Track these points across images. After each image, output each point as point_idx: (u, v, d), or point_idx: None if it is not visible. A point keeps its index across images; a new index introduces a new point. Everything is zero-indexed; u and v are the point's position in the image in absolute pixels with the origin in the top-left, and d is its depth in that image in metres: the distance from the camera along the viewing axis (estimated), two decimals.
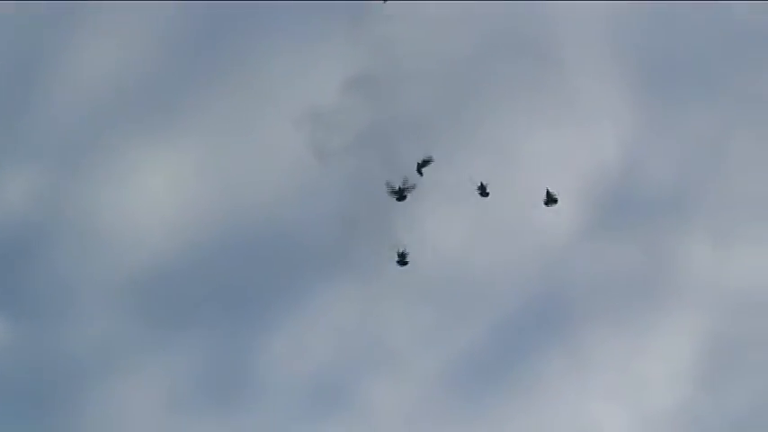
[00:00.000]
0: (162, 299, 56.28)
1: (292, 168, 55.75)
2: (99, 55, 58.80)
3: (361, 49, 53.66)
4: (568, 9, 56.55)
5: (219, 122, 57.80)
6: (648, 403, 54.60)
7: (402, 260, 48.95)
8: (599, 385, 54.84)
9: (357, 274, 54.62)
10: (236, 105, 57.88)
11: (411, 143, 53.92)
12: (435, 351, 55.78)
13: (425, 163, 48.96)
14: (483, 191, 49.50)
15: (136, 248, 56.91)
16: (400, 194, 48.28)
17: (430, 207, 54.42)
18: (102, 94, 58.85)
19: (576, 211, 55.96)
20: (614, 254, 55.24)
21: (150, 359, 55.86)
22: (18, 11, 56.80)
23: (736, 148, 56.80)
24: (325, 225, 54.67)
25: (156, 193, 57.71)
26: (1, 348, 55.68)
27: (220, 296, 55.99)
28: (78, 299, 56.96)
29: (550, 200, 48.82)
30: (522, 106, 55.98)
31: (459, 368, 55.50)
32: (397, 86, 53.55)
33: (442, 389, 55.61)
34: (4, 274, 56.68)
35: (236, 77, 57.84)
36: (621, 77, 57.24)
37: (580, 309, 55.62)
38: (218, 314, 56.12)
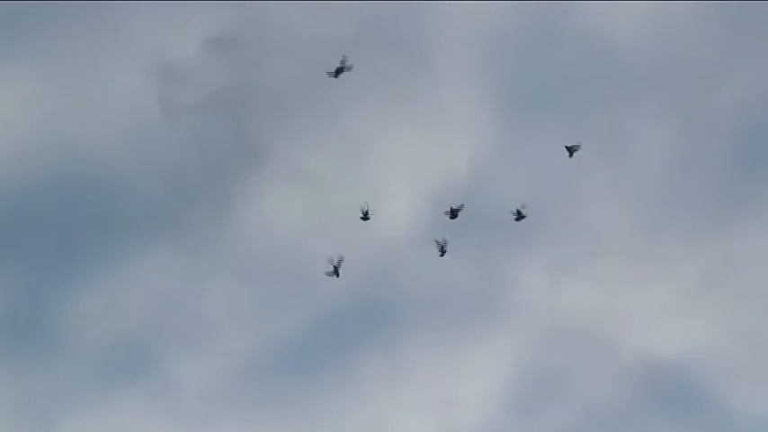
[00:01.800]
0: None
1: (137, 119, 54.11)
2: None
3: (228, 10, 52.69)
4: (455, 16, 55.84)
5: (67, 59, 55.57)
6: (456, 420, 53.54)
7: (365, 216, 48.98)
8: (410, 395, 53.48)
9: (186, 243, 53.21)
10: (90, 45, 55.65)
11: (263, 114, 53.03)
12: (251, 334, 53.83)
13: (341, 69, 48.16)
14: (519, 215, 49.84)
15: None
16: (337, 73, 48.09)
17: (272, 185, 53.51)
18: None
19: (419, 216, 54.53)
20: (450, 266, 53.65)
21: None
22: None
23: (585, 182, 55.72)
24: (161, 185, 53.49)
25: None
26: None
27: (35, 237, 54.00)
28: None
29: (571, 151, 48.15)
30: (384, 102, 54.85)
31: (273, 355, 53.77)
32: (260, 55, 52.59)
33: (251, 373, 53.77)
34: None
35: (95, 17, 55.60)
36: (489, 93, 56.43)
37: (407, 315, 54.19)
38: (30, 255, 53.93)
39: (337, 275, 50.13)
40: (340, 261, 49.30)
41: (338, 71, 48.28)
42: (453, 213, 50.75)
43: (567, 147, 49.47)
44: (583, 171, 53.96)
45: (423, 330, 53.94)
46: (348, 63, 47.90)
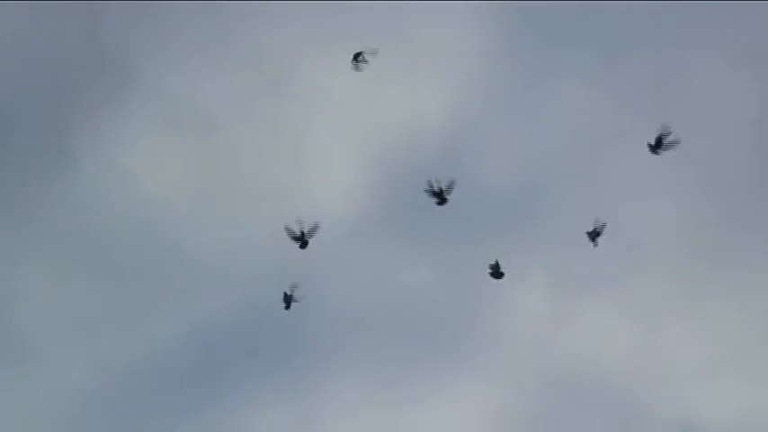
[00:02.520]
0: None
1: None
2: None
3: None
4: None
5: None
6: None
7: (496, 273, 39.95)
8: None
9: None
10: None
11: (128, 15, 44.34)
12: (93, 352, 42.76)
13: (359, 55, 40.45)
14: (440, 196, 39.24)
15: None
16: (441, 197, 39.22)
17: (137, 125, 43.88)
18: None
19: (363, 192, 42.67)
20: (405, 270, 41.89)
21: None
22: None
23: (624, 149, 42.47)
24: None
25: None
26: None
27: None
28: None
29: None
30: (319, 15, 43.97)
31: (122, 384, 42.77)
32: None
33: (86, 410, 42.52)
34: None
35: None
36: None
37: (333, 339, 42.08)
38: None
39: (302, 245, 39.62)
40: (312, 230, 39.20)
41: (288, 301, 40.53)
42: (439, 196, 39.59)
43: (589, 233, 40.16)
44: (620, 137, 41.98)
45: (354, 363, 42.61)
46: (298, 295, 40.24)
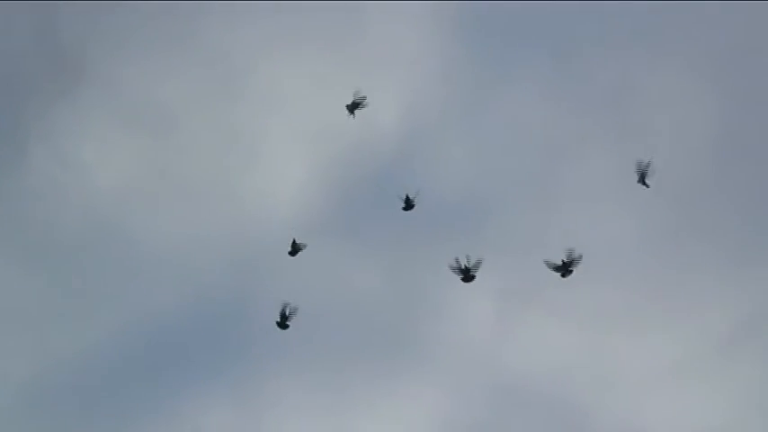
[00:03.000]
0: None
1: None
2: None
3: None
4: None
5: None
6: None
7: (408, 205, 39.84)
8: None
9: None
10: None
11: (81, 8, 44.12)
12: (32, 348, 42.19)
13: (356, 105, 40.55)
14: (407, 203, 39.77)
15: None
16: (467, 275, 39.43)
17: (89, 119, 43.79)
18: None
19: (312, 192, 42.48)
20: (350, 272, 41.45)
21: None
22: None
23: (577, 160, 42.51)
24: None
25: None
26: None
27: None
28: None
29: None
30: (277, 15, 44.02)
31: (57, 382, 42.10)
32: None
33: (23, 410, 41.71)
34: None
35: None
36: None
37: (274, 341, 40.76)
38: None
39: (293, 254, 39.38)
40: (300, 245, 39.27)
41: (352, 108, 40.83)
42: (408, 203, 40.17)
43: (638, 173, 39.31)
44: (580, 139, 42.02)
45: (301, 364, 41.83)
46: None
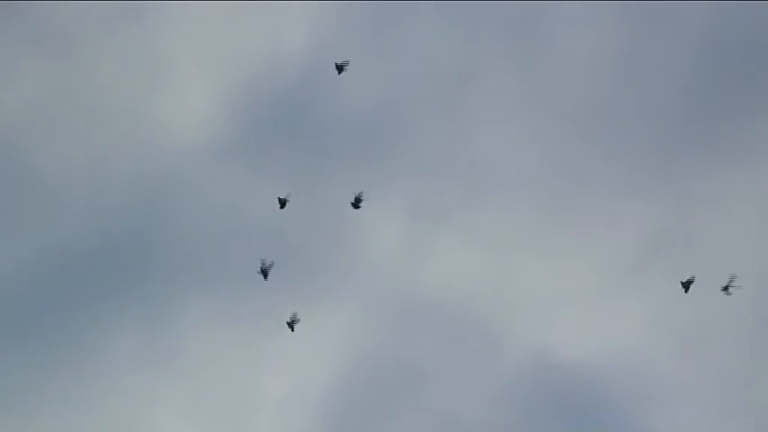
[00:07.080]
0: None
1: None
2: None
3: None
4: None
5: None
6: None
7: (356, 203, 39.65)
8: (180, 389, 40.51)
9: None
10: None
11: None
12: None
13: (359, 200, 39.98)
14: (356, 203, 39.78)
15: None
16: (356, 204, 40.76)
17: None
18: None
19: (220, 114, 41.62)
20: (260, 194, 40.46)
21: None
22: None
23: (486, 83, 42.25)
24: None
25: None
26: None
27: None
28: None
29: None
30: None
31: None
32: None
33: None
34: None
35: None
36: None
37: (183, 267, 40.93)
38: None
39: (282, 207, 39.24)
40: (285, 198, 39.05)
41: (356, 203, 40.51)
42: (338, 68, 39.89)
43: (682, 283, 39.77)
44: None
45: (209, 288, 41.34)
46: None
